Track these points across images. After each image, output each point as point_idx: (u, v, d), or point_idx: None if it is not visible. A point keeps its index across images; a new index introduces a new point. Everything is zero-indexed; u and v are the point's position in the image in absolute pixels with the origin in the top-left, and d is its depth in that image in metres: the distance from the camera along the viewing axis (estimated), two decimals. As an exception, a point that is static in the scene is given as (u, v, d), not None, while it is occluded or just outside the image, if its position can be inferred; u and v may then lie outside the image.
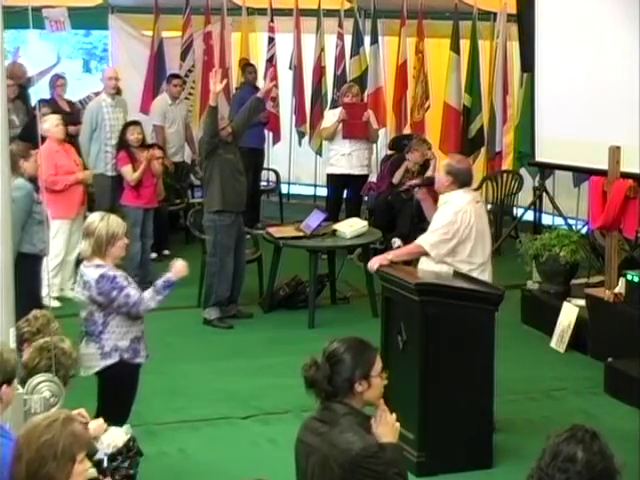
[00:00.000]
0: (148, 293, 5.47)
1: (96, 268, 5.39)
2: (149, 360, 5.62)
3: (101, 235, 5.39)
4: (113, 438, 4.35)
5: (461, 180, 6.31)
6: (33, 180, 7.28)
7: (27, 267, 6.60)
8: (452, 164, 6.39)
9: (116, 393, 5.45)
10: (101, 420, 4.58)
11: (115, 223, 5.44)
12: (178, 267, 5.57)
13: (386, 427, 3.66)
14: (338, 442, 3.54)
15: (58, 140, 8.76)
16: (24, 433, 3.12)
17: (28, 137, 8.39)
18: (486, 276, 6.27)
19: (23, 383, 3.97)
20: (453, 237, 6.17)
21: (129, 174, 9.43)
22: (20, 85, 10.69)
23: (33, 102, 10.66)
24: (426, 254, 6.26)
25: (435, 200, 6.55)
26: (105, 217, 5.50)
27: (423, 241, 6.26)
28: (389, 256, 6.40)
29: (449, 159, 6.61)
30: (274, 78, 11.30)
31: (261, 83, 11.85)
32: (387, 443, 3.62)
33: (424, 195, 6.71)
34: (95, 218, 5.49)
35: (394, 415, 3.72)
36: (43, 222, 7.12)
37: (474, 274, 6.19)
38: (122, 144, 9.58)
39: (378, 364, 3.73)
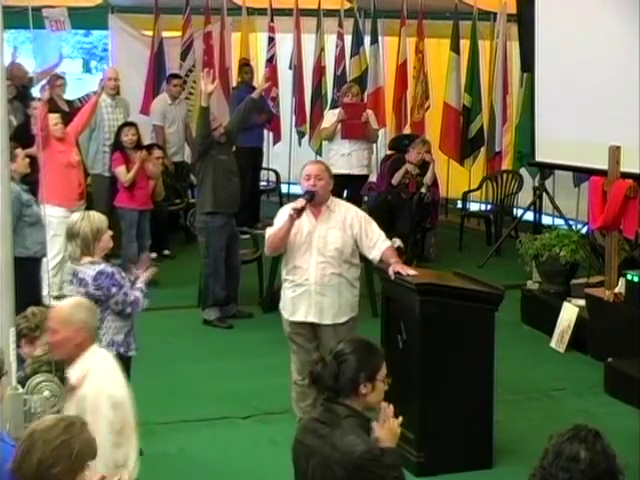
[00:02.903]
0: (141, 296, 5.57)
1: (91, 265, 5.42)
2: (149, 360, 5.63)
3: (86, 234, 5.43)
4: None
5: None
6: (27, 181, 7.27)
7: (21, 271, 6.53)
8: (330, 169, 6.27)
9: None
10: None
11: (97, 219, 5.51)
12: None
13: (388, 433, 3.66)
14: (340, 444, 3.53)
15: (57, 138, 8.75)
16: (39, 430, 3.08)
17: (22, 136, 8.39)
18: None
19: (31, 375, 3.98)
20: None
21: (123, 175, 9.45)
22: (23, 85, 10.69)
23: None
24: None
25: None
26: (85, 216, 5.56)
27: (388, 241, 6.16)
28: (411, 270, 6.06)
29: (324, 164, 6.34)
30: (270, 78, 11.28)
31: (260, 83, 11.87)
32: (387, 448, 3.61)
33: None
34: (75, 219, 5.55)
35: (398, 420, 3.72)
36: (36, 224, 7.12)
37: None
38: (117, 145, 9.61)
39: (384, 369, 3.74)
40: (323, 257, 5.95)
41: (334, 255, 5.95)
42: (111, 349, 5.38)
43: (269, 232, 6.08)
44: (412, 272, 5.94)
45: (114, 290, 5.40)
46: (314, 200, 5.96)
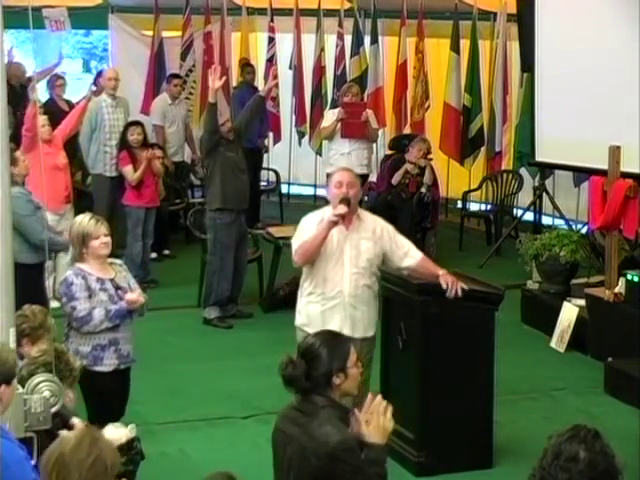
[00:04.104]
0: (99, 316, 5.26)
1: (70, 269, 5.41)
2: (149, 360, 5.61)
3: (73, 239, 5.39)
4: (116, 433, 4.33)
5: None
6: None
7: (29, 276, 6.47)
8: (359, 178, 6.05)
9: (86, 399, 5.21)
10: None
11: (86, 224, 5.35)
12: (132, 298, 5.36)
13: (376, 429, 3.61)
14: (316, 434, 3.58)
15: (44, 141, 8.69)
16: (68, 451, 2.95)
17: (13, 139, 8.36)
18: None
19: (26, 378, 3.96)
20: None
21: (130, 174, 9.49)
22: (22, 85, 10.68)
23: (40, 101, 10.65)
24: None
25: None
26: (79, 219, 5.46)
27: (420, 251, 5.98)
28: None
29: (354, 173, 6.00)
30: (275, 77, 11.29)
31: (260, 83, 11.89)
32: (374, 443, 3.59)
33: None
34: (74, 220, 5.52)
35: (388, 413, 3.64)
36: (45, 226, 7.11)
37: None
38: (123, 144, 9.63)
39: (353, 355, 3.78)
40: (356, 268, 5.64)
41: (366, 266, 5.67)
42: (76, 359, 5.17)
43: (299, 241, 5.70)
44: (464, 286, 5.71)
45: (64, 300, 5.31)
46: (349, 208, 5.68)
